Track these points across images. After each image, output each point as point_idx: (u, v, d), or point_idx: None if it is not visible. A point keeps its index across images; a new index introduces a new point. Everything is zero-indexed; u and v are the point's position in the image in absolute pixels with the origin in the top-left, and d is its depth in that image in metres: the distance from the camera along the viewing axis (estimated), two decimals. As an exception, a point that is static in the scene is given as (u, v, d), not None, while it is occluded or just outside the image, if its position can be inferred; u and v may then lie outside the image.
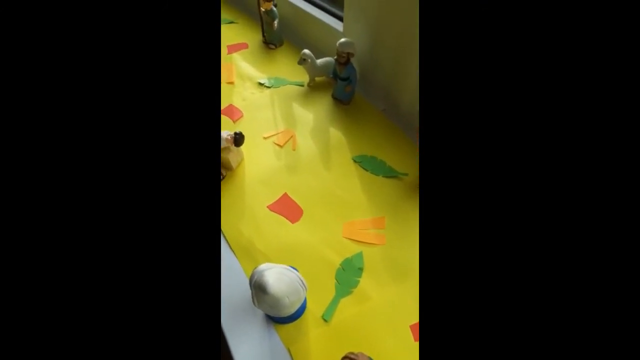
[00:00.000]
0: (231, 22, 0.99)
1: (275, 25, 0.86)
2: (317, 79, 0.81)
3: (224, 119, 0.75)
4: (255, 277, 0.43)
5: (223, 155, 0.63)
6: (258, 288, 0.42)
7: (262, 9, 0.86)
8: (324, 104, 0.78)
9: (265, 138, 0.72)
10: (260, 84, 0.82)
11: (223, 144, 0.62)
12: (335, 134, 0.72)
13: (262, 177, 0.65)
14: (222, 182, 0.64)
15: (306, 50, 0.76)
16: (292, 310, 0.45)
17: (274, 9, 0.85)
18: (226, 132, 0.62)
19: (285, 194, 0.63)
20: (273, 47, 0.91)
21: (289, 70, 0.85)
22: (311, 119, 0.75)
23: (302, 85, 0.82)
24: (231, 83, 0.83)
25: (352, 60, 0.72)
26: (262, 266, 0.44)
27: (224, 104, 0.78)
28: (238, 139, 0.61)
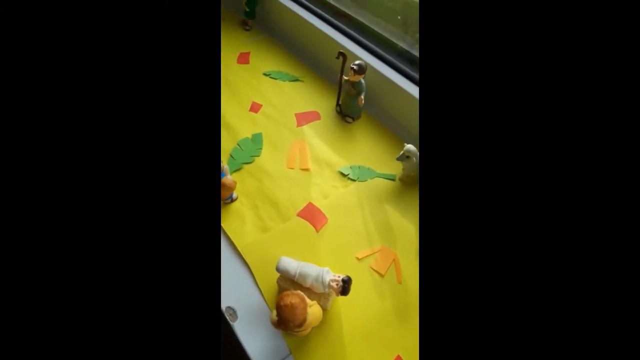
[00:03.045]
0: (296, 80, 0.84)
1: (362, 100, 0.71)
2: (412, 174, 0.67)
3: (304, 224, 0.60)
4: None
5: (322, 302, 0.48)
6: None
7: (346, 78, 0.72)
8: (424, 210, 0.63)
9: (359, 259, 0.57)
10: (343, 175, 0.67)
11: (324, 290, 0.47)
12: (448, 261, 0.57)
13: (365, 328, 0.50)
14: (314, 331, 0.49)
15: (411, 147, 0.61)
16: None
17: (362, 81, 0.70)
18: (327, 273, 0.47)
19: (399, 358, 0.48)
20: (350, 120, 0.76)
21: (372, 156, 0.71)
22: (413, 232, 0.60)
23: (393, 180, 0.67)
24: (306, 170, 0.68)
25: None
26: None
27: (302, 201, 0.63)
28: (347, 288, 0.46)
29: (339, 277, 0.47)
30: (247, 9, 0.95)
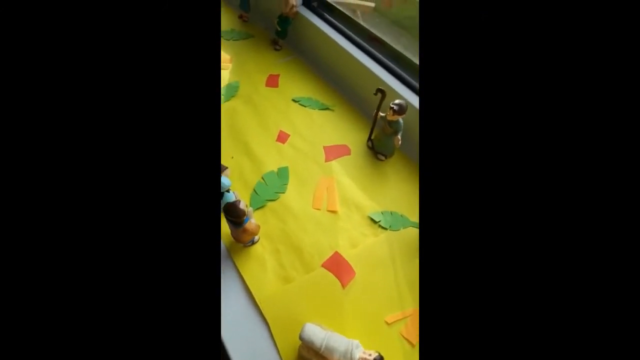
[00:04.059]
0: (326, 109, 0.80)
1: (399, 140, 0.66)
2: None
3: (329, 277, 0.55)
4: None
5: (348, 380, 0.43)
6: None
7: (382, 114, 0.67)
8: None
9: (388, 324, 0.52)
10: (373, 221, 0.62)
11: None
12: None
13: (394, 407, 0.45)
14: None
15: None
16: None
17: (401, 120, 0.65)
18: (357, 348, 0.42)
19: None
20: (382, 158, 0.71)
21: (406, 201, 0.65)
22: (448, 296, 0.55)
23: (428, 230, 0.62)
24: (334, 212, 0.63)
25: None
26: None
27: (328, 248, 0.58)
28: (379, 369, 0.41)
29: (370, 355, 0.41)
30: (279, 28, 0.91)
